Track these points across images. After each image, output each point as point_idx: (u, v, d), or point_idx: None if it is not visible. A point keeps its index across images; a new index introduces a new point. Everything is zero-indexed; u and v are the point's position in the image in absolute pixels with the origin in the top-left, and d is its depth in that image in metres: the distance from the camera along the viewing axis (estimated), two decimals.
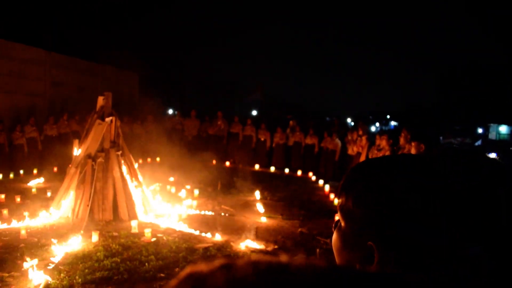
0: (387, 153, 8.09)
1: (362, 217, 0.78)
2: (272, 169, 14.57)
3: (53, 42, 14.75)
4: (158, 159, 14.24)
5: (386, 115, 56.02)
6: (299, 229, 7.53)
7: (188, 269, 0.52)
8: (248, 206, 9.24)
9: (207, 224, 7.64)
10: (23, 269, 5.22)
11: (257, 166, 14.80)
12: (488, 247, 0.72)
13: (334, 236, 0.87)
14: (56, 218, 7.44)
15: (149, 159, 13.92)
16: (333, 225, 0.89)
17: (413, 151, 4.93)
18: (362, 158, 10.05)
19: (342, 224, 0.84)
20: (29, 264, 5.26)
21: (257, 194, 10.10)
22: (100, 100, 8.05)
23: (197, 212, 8.46)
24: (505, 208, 0.73)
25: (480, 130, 35.76)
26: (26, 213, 7.30)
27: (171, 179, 11.14)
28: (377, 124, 50.30)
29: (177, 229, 7.23)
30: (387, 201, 0.75)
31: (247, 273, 0.50)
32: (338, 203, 0.84)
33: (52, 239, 6.35)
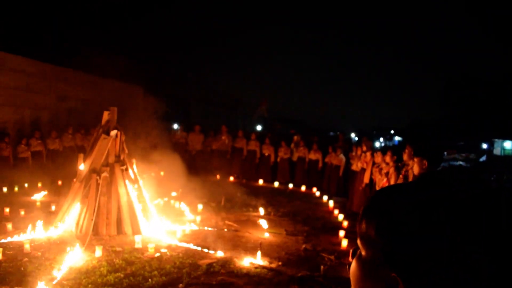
0: (392, 169, 8.07)
1: (385, 246, 0.76)
2: (276, 184, 14.54)
3: (58, 55, 14.88)
4: (162, 173, 14.25)
5: (390, 130, 56.02)
6: (303, 245, 7.49)
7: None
8: (251, 221, 9.21)
9: (211, 239, 7.62)
10: (27, 283, 5.21)
11: (261, 181, 14.78)
12: (488, 252, 0.72)
13: (353, 265, 0.86)
14: (60, 232, 7.44)
15: (153, 174, 13.93)
16: (351, 252, 0.88)
17: (415, 167, 4.91)
18: (367, 174, 10.03)
19: (363, 252, 0.82)
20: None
21: (261, 209, 10.07)
22: (106, 115, 8.10)
23: (201, 227, 8.44)
24: (505, 214, 0.73)
25: (484, 146, 35.67)
26: (30, 227, 7.31)
27: (175, 194, 11.14)
28: (381, 139, 50.26)
29: (181, 244, 7.21)
30: (414, 232, 0.73)
31: None
32: (359, 230, 0.83)
33: (56, 254, 6.35)
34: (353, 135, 38.67)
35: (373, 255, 0.79)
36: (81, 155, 8.29)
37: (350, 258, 0.88)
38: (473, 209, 0.74)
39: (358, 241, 0.84)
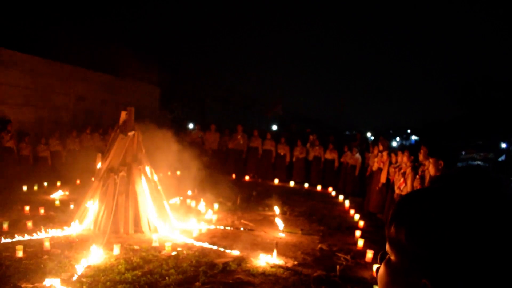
0: (408, 169, 8.01)
1: (416, 251, 0.76)
2: (292, 183, 14.54)
3: (76, 56, 15.09)
4: (178, 172, 14.35)
5: (407, 129, 55.48)
6: (319, 245, 7.49)
7: None
8: (267, 221, 9.24)
9: (227, 238, 7.67)
10: (46, 281, 5.31)
11: (276, 181, 14.80)
12: None
13: (381, 270, 0.85)
14: (79, 231, 7.56)
15: (169, 173, 14.04)
16: (379, 257, 0.87)
17: (431, 167, 4.87)
18: (383, 174, 9.98)
19: (392, 257, 0.82)
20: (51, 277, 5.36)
21: (277, 209, 10.09)
22: (123, 115, 8.20)
23: (217, 226, 8.50)
24: None
25: (503, 145, 35.10)
26: (49, 225, 7.44)
27: (191, 193, 11.22)
28: (398, 138, 49.82)
29: (197, 243, 7.27)
30: (446, 237, 0.73)
31: None
32: (388, 234, 0.82)
33: (75, 251, 6.46)
34: (369, 134, 38.41)
35: (403, 260, 0.79)
36: (99, 155, 8.41)
37: (378, 263, 0.88)
38: (507, 214, 0.74)
39: (387, 246, 0.83)
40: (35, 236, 7.06)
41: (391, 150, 10.62)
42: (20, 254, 6.16)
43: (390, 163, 9.78)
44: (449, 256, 0.72)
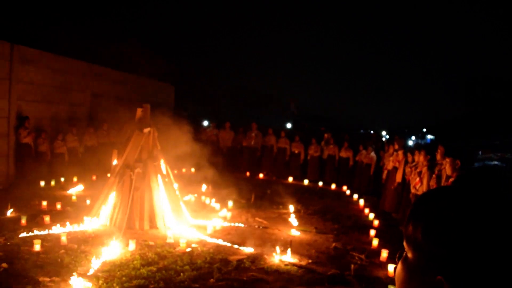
0: (424, 168, 7.95)
1: (432, 249, 0.77)
2: (306, 182, 14.51)
3: (92, 53, 15.26)
4: (193, 170, 14.42)
5: (422, 128, 54.91)
6: (333, 244, 7.47)
7: None
8: (281, 218, 9.24)
9: (241, 236, 7.69)
10: (64, 274, 5.39)
11: (290, 179, 14.78)
12: None
13: (399, 267, 0.86)
14: (95, 226, 7.65)
15: (184, 170, 14.12)
16: (397, 256, 0.88)
17: (448, 167, 4.84)
18: (399, 173, 9.91)
19: (409, 255, 0.83)
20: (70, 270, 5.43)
21: (291, 207, 10.08)
22: (139, 112, 8.27)
23: (231, 224, 8.52)
24: None
25: None
26: (66, 220, 7.55)
27: (204, 189, 11.26)
28: (413, 137, 49.36)
29: (211, 240, 7.30)
30: (462, 235, 0.73)
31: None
32: (405, 232, 0.83)
33: (91, 246, 6.54)
34: (384, 133, 38.12)
35: (419, 257, 0.80)
36: (115, 151, 8.49)
37: (396, 262, 0.88)
38: None
39: (404, 243, 0.84)
40: (52, 231, 7.17)
41: (407, 149, 10.53)
42: (37, 248, 6.26)
43: (406, 162, 9.71)
44: (465, 255, 0.72)
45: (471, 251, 0.72)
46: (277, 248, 6.76)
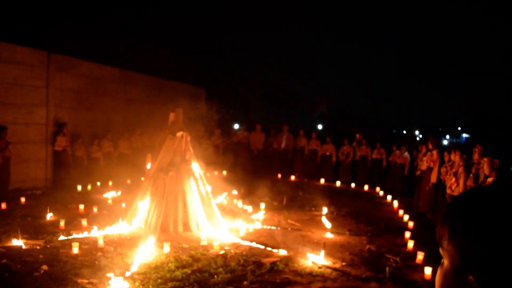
0: (461, 168, 7.76)
1: (466, 248, 0.77)
2: (338, 183, 14.38)
3: (125, 59, 15.59)
4: (224, 172, 14.53)
5: (457, 127, 53.58)
6: (367, 246, 7.37)
7: None
8: (314, 221, 9.19)
9: (274, 238, 7.69)
10: (101, 276, 5.52)
11: (322, 180, 14.69)
12: None
13: (438, 273, 0.87)
14: (130, 229, 7.80)
15: (216, 173, 14.24)
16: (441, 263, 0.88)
17: (485, 166, 4.70)
18: (434, 173, 9.70)
19: (444, 258, 0.84)
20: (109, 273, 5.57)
21: (323, 209, 10.01)
22: (172, 116, 8.40)
23: (264, 226, 8.53)
24: None
25: None
26: (103, 223, 7.73)
27: (235, 192, 11.31)
28: (448, 136, 48.22)
29: (244, 242, 7.33)
30: (488, 235, 0.74)
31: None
32: (439, 233, 0.84)
33: (127, 249, 6.68)
34: (417, 132, 37.39)
35: (454, 259, 0.80)
36: (149, 155, 8.64)
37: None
38: None
39: (440, 250, 0.85)
40: (90, 234, 7.35)
41: (441, 149, 10.31)
42: (76, 251, 6.43)
43: (441, 162, 9.50)
44: (498, 254, 0.72)
45: (505, 251, 0.72)
46: (310, 251, 6.72)
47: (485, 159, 4.46)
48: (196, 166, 8.46)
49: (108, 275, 5.53)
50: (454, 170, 7.91)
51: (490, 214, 0.76)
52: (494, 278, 0.73)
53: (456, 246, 0.79)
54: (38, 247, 6.65)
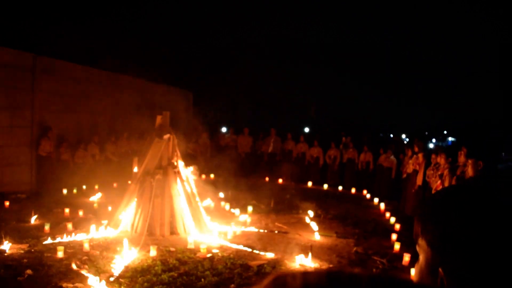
0: (446, 171, 7.84)
1: (431, 244, 0.81)
2: (325, 186, 14.42)
3: (112, 62, 15.50)
4: (212, 176, 14.49)
5: (443, 130, 54.14)
6: (354, 248, 7.40)
7: (272, 275, 0.62)
8: (301, 223, 9.20)
9: (261, 241, 7.68)
10: (86, 280, 5.46)
11: (310, 184, 14.71)
12: None
13: (414, 269, 0.92)
14: (116, 232, 7.73)
15: (203, 176, 14.19)
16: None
17: (470, 168, 4.76)
18: (419, 176, 9.79)
19: (420, 256, 0.88)
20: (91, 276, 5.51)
21: (310, 212, 10.03)
22: (158, 119, 8.35)
23: (251, 229, 8.52)
24: None
25: None
26: (88, 227, 7.65)
27: (223, 195, 11.27)
28: (434, 140, 48.68)
29: (232, 245, 7.31)
30: (455, 229, 0.77)
31: (321, 278, 0.59)
32: (415, 231, 0.88)
33: (113, 252, 6.62)
34: (403, 136, 37.67)
35: (426, 255, 0.83)
36: (136, 158, 8.59)
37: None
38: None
39: (416, 247, 0.89)
40: (74, 237, 7.27)
41: (427, 152, 10.40)
42: (61, 254, 6.36)
43: (427, 165, 9.59)
44: (463, 247, 0.75)
45: (470, 244, 0.75)
46: (298, 254, 6.73)
47: (470, 161, 4.52)
48: (183, 169, 8.42)
49: (93, 279, 5.47)
50: (439, 173, 7.99)
51: (458, 210, 0.79)
52: (461, 269, 0.76)
53: (427, 240, 0.82)
54: (22, 251, 6.56)
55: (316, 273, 0.66)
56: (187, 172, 8.56)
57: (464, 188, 0.85)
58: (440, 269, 0.78)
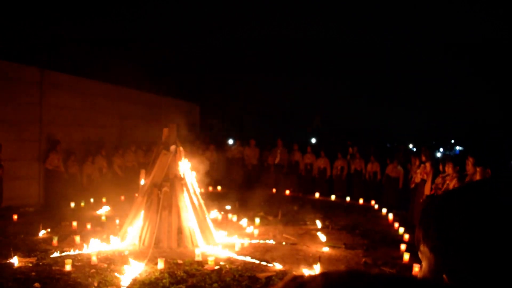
0: (454, 180, 7.79)
1: (434, 250, 0.81)
2: (333, 197, 14.36)
3: (120, 76, 15.63)
4: (219, 188, 14.49)
5: (451, 139, 53.92)
6: (363, 259, 7.34)
7: (291, 275, 0.63)
8: (309, 235, 9.15)
9: (269, 253, 7.64)
10: None
11: (317, 195, 14.66)
12: None
13: (418, 277, 0.88)
14: (124, 245, 7.73)
15: (210, 188, 14.19)
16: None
17: (478, 177, 4.72)
18: (427, 185, 9.72)
19: (422, 262, 0.87)
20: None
21: (318, 222, 9.98)
22: (165, 132, 8.39)
23: (259, 241, 8.48)
24: None
25: None
26: (96, 240, 7.66)
27: (230, 207, 11.26)
28: (441, 149, 48.46)
29: (239, 257, 7.28)
30: (457, 234, 0.76)
31: (342, 278, 0.59)
32: (416, 241, 0.88)
33: (121, 265, 6.60)
34: (411, 145, 37.51)
35: (429, 262, 0.83)
36: (143, 171, 8.61)
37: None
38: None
39: (419, 253, 0.89)
40: (83, 251, 7.27)
41: (434, 161, 10.34)
42: (68, 268, 6.35)
43: (435, 174, 9.52)
44: (466, 252, 0.74)
45: (472, 250, 0.74)
46: (306, 265, 6.68)
47: (478, 169, 4.48)
48: (190, 181, 8.42)
49: None
50: (447, 182, 7.94)
51: (460, 213, 0.79)
52: (464, 271, 0.75)
53: (430, 247, 0.82)
54: (30, 265, 6.57)
55: (337, 273, 0.65)
56: (195, 184, 8.56)
57: (464, 191, 0.84)
58: (444, 276, 0.77)
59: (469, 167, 6.71)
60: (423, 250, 0.83)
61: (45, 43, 16.93)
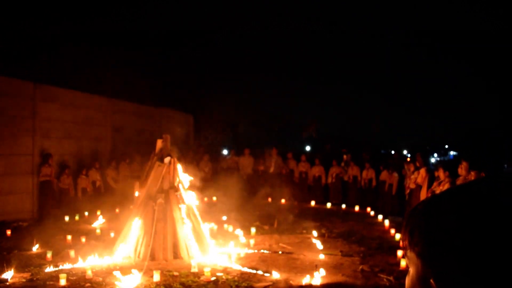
0: (447, 185, 7.81)
1: (420, 255, 0.79)
2: (329, 205, 14.35)
3: (112, 88, 15.62)
4: (214, 198, 14.42)
5: (445, 145, 54.21)
6: (360, 266, 7.32)
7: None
8: (305, 243, 9.12)
9: (265, 262, 7.60)
10: None
11: (313, 203, 14.64)
12: None
13: (406, 283, 0.88)
14: (119, 258, 7.66)
15: (205, 199, 14.12)
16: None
17: None
18: (423, 191, 9.74)
19: (410, 268, 0.85)
20: None
21: (314, 231, 9.96)
22: (159, 143, 8.36)
23: (255, 250, 8.44)
24: None
25: None
26: (91, 254, 7.59)
27: (225, 218, 11.21)
28: (436, 155, 48.68)
29: (236, 268, 7.24)
30: (442, 239, 0.75)
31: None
32: (403, 247, 0.86)
33: (116, 279, 6.54)
34: (405, 151, 37.62)
35: (416, 267, 0.81)
36: (137, 183, 8.56)
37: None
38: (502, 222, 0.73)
39: (406, 259, 0.87)
40: (77, 265, 7.20)
41: (429, 167, 10.38)
42: (63, 282, 6.28)
43: (431, 179, 9.54)
44: (451, 257, 0.73)
45: (457, 253, 0.73)
46: (303, 274, 6.65)
47: (472, 173, 4.50)
48: (185, 193, 8.38)
49: None
50: (440, 187, 7.96)
51: (450, 216, 0.77)
52: (452, 280, 0.74)
53: (416, 252, 0.80)
54: (24, 280, 6.49)
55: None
56: (190, 195, 8.52)
57: (455, 192, 0.82)
58: (431, 281, 0.76)
59: (462, 171, 6.73)
60: (410, 256, 0.83)
61: (37, 55, 16.90)
